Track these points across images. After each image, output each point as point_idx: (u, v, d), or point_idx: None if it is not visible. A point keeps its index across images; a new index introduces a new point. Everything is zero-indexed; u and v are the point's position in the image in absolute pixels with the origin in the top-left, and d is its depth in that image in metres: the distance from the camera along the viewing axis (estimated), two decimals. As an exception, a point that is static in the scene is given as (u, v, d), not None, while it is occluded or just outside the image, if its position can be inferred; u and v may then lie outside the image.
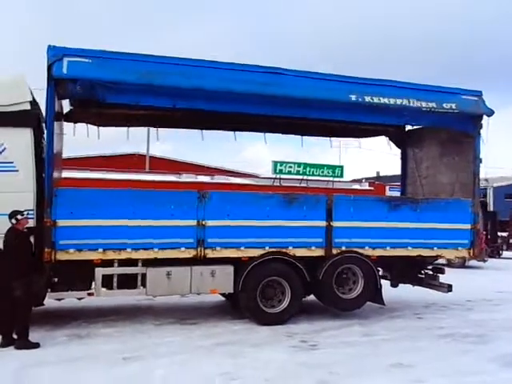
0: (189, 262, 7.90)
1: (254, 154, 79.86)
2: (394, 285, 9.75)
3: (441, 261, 18.05)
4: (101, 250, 7.44)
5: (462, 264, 18.69)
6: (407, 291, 10.28)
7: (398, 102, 8.64)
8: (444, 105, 8.90)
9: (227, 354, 6.60)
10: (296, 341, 7.35)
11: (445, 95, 9.08)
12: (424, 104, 8.77)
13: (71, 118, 9.05)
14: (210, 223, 7.90)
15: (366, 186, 26.52)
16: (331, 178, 26.44)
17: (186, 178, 22.64)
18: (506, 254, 25.40)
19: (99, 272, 7.51)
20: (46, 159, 7.28)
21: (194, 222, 7.84)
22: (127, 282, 7.70)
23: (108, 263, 7.58)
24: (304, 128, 10.36)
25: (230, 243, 8.01)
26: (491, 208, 34.50)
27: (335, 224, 8.52)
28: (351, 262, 8.69)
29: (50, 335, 7.21)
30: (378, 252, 8.79)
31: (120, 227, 7.50)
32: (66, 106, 8.83)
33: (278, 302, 8.38)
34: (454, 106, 8.94)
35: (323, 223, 8.48)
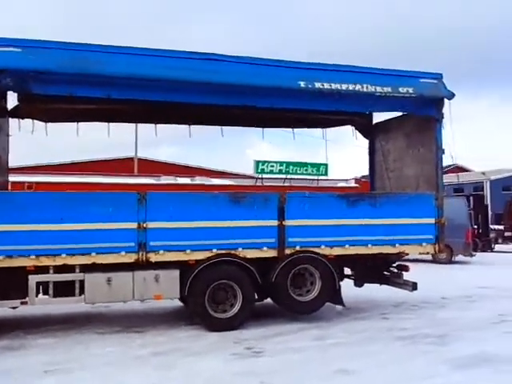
0: (132, 266, 7.49)
1: (259, 155, 79.66)
2: (359, 284, 9.29)
3: (426, 257, 17.79)
4: (33, 256, 7.02)
5: (448, 260, 18.27)
6: (380, 290, 9.82)
7: (351, 87, 8.21)
8: (400, 89, 8.46)
9: (161, 364, 6.17)
10: (241, 348, 6.91)
11: (401, 79, 8.65)
12: (379, 89, 8.33)
13: (17, 114, 8.69)
14: (151, 225, 7.48)
15: (351, 184, 26.06)
16: (315, 177, 25.98)
17: (165, 180, 22.26)
18: (499, 247, 24.94)
19: (33, 279, 7.10)
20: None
21: (134, 225, 7.41)
22: (66, 290, 7.29)
23: (44, 270, 7.18)
24: (266, 120, 9.99)
25: (174, 246, 7.58)
26: (488, 201, 34.13)
27: (288, 223, 8.08)
28: (307, 263, 8.24)
29: (-19, 348, 6.82)
30: (336, 251, 8.34)
31: (53, 232, 7.08)
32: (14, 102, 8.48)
33: (230, 307, 7.94)
34: (411, 90, 8.51)
35: (275, 222, 8.03)
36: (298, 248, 8.14)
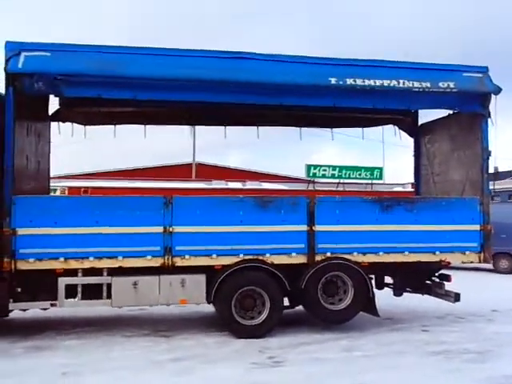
0: (158, 271, 7.50)
1: (322, 159, 78.86)
2: (398, 294, 8.82)
3: (487, 266, 16.76)
4: (62, 258, 7.17)
5: (511, 269, 17.12)
6: (427, 301, 9.22)
7: (386, 83, 7.82)
8: (440, 84, 7.97)
9: (178, 370, 6.11)
10: (264, 356, 6.71)
11: (441, 73, 8.16)
12: (416, 84, 7.89)
13: (58, 117, 9.01)
14: (177, 229, 7.45)
15: (408, 188, 25.04)
16: (369, 181, 25.20)
17: (216, 184, 22.40)
18: None
19: (62, 282, 7.25)
20: (5, 164, 7.09)
21: (160, 229, 7.41)
22: (94, 293, 7.40)
23: (73, 273, 7.33)
24: (302, 119, 9.77)
25: (200, 251, 7.51)
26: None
27: (318, 228, 7.80)
28: (338, 270, 7.92)
29: (12, 346, 7.03)
30: (370, 258, 7.96)
31: (82, 235, 7.20)
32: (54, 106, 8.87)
33: (258, 314, 7.76)
34: (452, 84, 8.00)
35: (304, 227, 7.78)
36: (328, 254, 7.85)
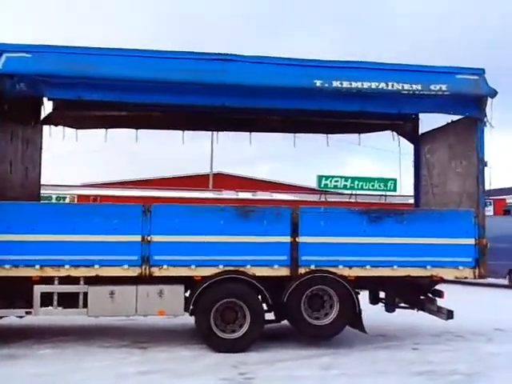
0: (136, 280, 7.34)
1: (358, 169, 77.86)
2: (390, 309, 8.45)
3: (501, 281, 16.14)
4: (38, 266, 7.08)
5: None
6: (430, 317, 8.63)
7: (374, 85, 7.57)
8: (432, 86, 7.67)
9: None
10: (236, 372, 6.45)
11: (433, 75, 7.85)
12: (406, 87, 7.61)
13: (49, 121, 8.98)
14: (155, 239, 7.28)
15: None
16: (383, 192, 24.63)
17: (226, 194, 22.24)
18: None
19: (38, 289, 7.15)
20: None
21: (138, 238, 7.26)
22: (70, 301, 7.28)
23: (49, 280, 7.22)
24: (297, 125, 9.60)
25: (179, 261, 7.32)
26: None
27: (301, 239, 7.53)
28: (323, 283, 7.62)
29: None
30: (356, 271, 7.64)
31: (58, 242, 7.11)
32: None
33: (240, 327, 7.51)
34: (444, 87, 7.69)
35: (287, 239, 7.52)
36: (312, 267, 7.56)
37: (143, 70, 7.31)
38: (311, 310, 7.71)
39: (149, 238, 7.28)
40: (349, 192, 24.75)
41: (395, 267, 7.70)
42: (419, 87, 7.65)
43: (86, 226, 7.19)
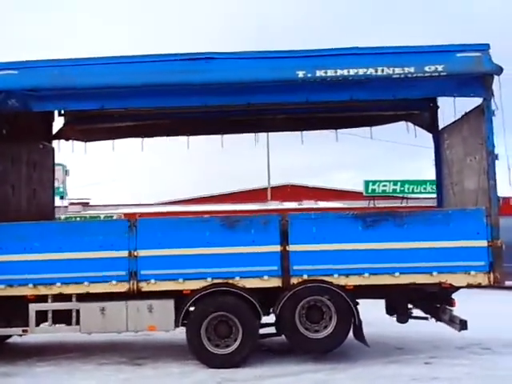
0: (127, 296, 7.29)
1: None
2: (402, 320, 7.80)
3: None
4: (31, 285, 7.23)
5: None
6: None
7: (361, 71, 7.11)
8: (426, 68, 7.08)
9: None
10: (217, 390, 6.20)
11: (428, 56, 7.25)
12: (398, 70, 7.08)
13: (60, 136, 9.37)
14: (142, 253, 7.21)
15: None
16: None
17: (271, 205, 21.97)
18: None
19: (32, 308, 7.30)
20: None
21: (125, 253, 7.22)
22: (64, 319, 7.38)
23: (44, 299, 7.35)
24: (302, 122, 9.32)
25: (166, 275, 7.19)
26: None
27: (292, 248, 7.16)
28: (318, 294, 7.17)
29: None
30: (354, 280, 7.12)
31: (48, 261, 7.23)
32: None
33: (234, 341, 7.24)
34: (440, 67, 7.07)
35: (277, 248, 7.17)
36: (305, 277, 7.15)
37: (124, 75, 7.35)
38: (310, 322, 7.28)
39: (135, 253, 7.22)
40: (401, 196, 23.56)
41: (397, 274, 7.10)
42: (412, 70, 7.10)
43: (74, 243, 7.26)
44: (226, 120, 9.13)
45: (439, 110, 9.23)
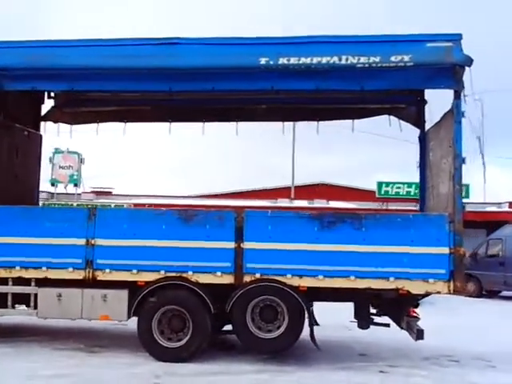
0: (84, 284, 7.36)
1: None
2: (363, 325, 7.55)
3: None
4: (-8, 267, 7.41)
5: None
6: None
7: (324, 60, 6.94)
8: (393, 58, 6.83)
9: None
10: None
11: (396, 45, 7.01)
12: (363, 59, 6.86)
13: (48, 118, 9.53)
14: (99, 242, 7.26)
15: (505, 208, 21.61)
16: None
17: (280, 203, 21.79)
18: None
19: (-8, 290, 7.48)
20: None
21: (82, 241, 7.28)
22: (24, 302, 7.52)
23: (5, 282, 7.50)
24: (285, 113, 9.24)
25: (121, 265, 7.21)
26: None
27: (246, 245, 7.04)
28: (270, 293, 7.03)
29: None
30: (307, 281, 6.94)
31: (8, 245, 7.37)
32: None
33: (186, 336, 7.19)
34: (407, 57, 6.82)
35: (231, 244, 7.07)
36: (258, 275, 7.02)
37: (94, 58, 7.42)
38: (264, 321, 7.16)
39: (93, 242, 7.27)
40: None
41: (352, 278, 6.88)
42: (377, 59, 6.86)
43: (35, 228, 7.38)
44: (209, 108, 9.09)
45: (427, 106, 8.91)
